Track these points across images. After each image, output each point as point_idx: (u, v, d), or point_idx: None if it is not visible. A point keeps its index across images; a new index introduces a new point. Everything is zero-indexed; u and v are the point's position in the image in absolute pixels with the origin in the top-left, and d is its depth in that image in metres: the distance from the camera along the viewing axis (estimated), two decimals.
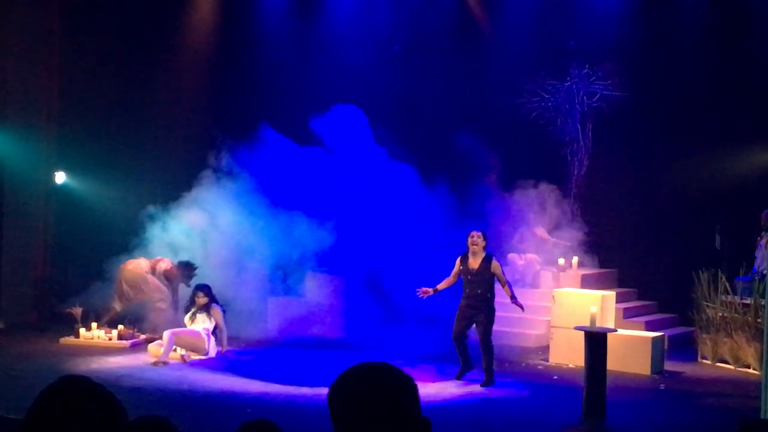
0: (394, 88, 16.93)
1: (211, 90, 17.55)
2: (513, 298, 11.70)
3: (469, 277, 11.73)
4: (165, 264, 14.53)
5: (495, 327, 15.04)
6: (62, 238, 16.43)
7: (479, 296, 11.68)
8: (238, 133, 15.79)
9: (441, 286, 11.99)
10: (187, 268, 14.47)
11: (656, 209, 16.28)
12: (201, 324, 13.08)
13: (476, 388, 11.65)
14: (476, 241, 11.72)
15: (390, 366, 2.66)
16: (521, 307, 11.77)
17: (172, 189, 15.83)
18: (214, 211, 15.30)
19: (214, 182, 15.51)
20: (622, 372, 12.25)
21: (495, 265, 11.74)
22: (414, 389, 2.63)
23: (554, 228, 16.15)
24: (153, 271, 14.48)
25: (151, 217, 15.18)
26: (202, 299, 13.19)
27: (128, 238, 15.34)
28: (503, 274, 11.83)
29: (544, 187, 16.09)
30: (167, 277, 14.48)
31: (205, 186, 15.46)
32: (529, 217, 16.08)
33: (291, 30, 17.83)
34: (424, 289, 11.98)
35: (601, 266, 16.07)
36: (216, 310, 13.25)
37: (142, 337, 13.88)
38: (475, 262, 11.73)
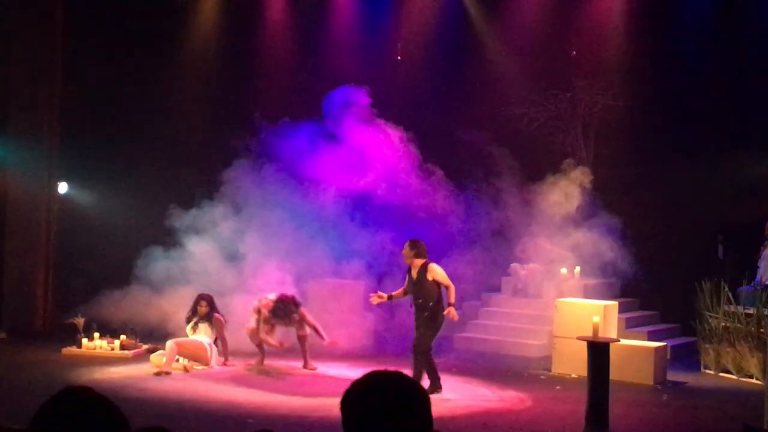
0: (395, 95, 16.92)
1: (217, 94, 17.52)
2: (450, 304, 11.47)
3: (411, 287, 11.65)
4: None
5: (497, 336, 15.14)
6: (65, 248, 16.43)
7: (420, 306, 11.48)
8: (244, 136, 15.78)
9: (395, 293, 11.93)
10: (282, 304, 13.06)
11: (658, 218, 16.26)
12: (203, 334, 13.07)
13: (478, 399, 11.62)
14: (403, 253, 11.70)
15: (405, 376, 2.69)
16: (453, 317, 11.57)
17: (177, 197, 15.86)
18: (237, 218, 15.31)
19: (232, 188, 15.52)
20: (624, 382, 12.23)
21: (432, 271, 11.44)
22: (427, 402, 2.65)
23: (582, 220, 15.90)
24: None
25: (176, 224, 15.16)
26: (204, 308, 13.16)
27: (132, 246, 15.37)
28: (447, 277, 11.52)
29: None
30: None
31: (223, 192, 15.48)
32: (533, 225, 16.06)
33: (296, 32, 17.82)
34: (379, 293, 11.95)
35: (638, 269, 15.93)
36: (218, 320, 13.23)
37: (144, 347, 13.87)
38: (414, 273, 11.63)
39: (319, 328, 13.11)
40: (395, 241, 15.15)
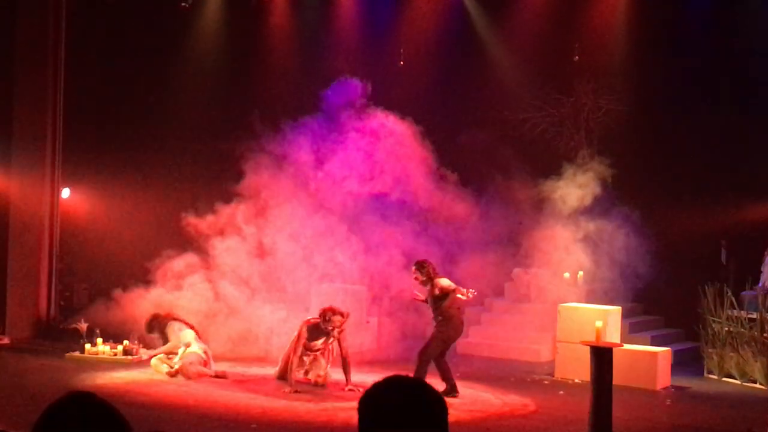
0: (397, 99, 16.92)
1: (223, 97, 17.49)
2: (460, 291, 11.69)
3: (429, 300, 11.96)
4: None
5: (500, 341, 15.14)
6: (68, 254, 16.45)
7: (435, 319, 11.85)
8: (248, 139, 15.78)
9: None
10: (325, 314, 12.16)
11: (661, 223, 16.23)
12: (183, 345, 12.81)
13: (482, 404, 11.60)
14: (415, 277, 11.88)
15: (426, 383, 2.73)
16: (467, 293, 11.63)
17: (181, 201, 15.88)
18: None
19: (243, 190, 15.53)
20: (628, 387, 12.20)
21: (438, 286, 11.68)
22: (445, 410, 2.68)
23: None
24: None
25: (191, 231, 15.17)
26: (148, 331, 13.07)
27: (135, 250, 15.39)
28: (450, 284, 11.73)
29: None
30: None
31: (235, 194, 15.50)
32: (536, 229, 16.04)
33: (300, 36, 17.82)
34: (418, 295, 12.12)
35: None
36: (171, 327, 12.95)
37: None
38: (424, 292, 11.93)
39: (349, 368, 12.09)
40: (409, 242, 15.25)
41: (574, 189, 15.66)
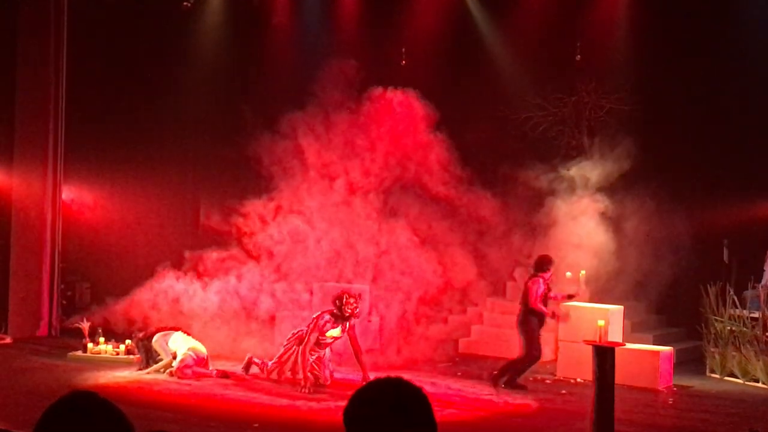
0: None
1: (224, 96, 17.48)
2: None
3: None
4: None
5: (502, 341, 15.12)
6: (70, 253, 16.46)
7: None
8: (250, 141, 15.76)
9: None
10: (338, 301, 12.21)
11: (663, 222, 16.20)
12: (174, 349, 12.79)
13: (483, 403, 11.60)
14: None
15: (404, 382, 2.73)
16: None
17: (182, 201, 15.88)
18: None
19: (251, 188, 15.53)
20: (630, 386, 12.22)
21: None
22: (428, 406, 2.68)
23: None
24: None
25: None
26: (136, 349, 13.13)
27: (136, 249, 15.39)
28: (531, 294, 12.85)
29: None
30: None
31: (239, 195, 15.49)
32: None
33: (301, 35, 17.83)
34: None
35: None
36: (158, 343, 12.91)
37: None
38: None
39: (363, 361, 12.12)
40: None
41: (576, 187, 15.66)
